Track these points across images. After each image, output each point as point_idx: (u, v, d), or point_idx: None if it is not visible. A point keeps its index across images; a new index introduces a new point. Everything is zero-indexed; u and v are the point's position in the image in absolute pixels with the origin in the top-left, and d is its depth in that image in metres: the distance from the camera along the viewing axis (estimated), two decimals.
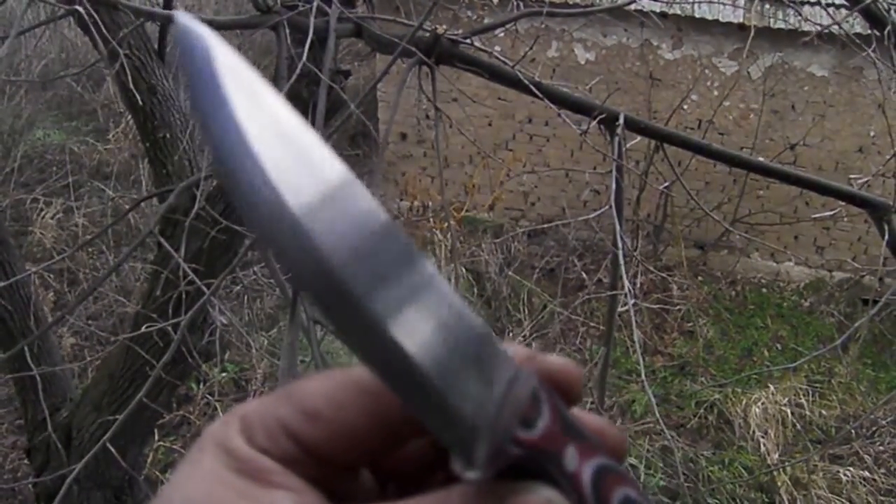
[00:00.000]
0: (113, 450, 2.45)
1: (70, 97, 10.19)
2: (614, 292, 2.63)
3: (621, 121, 2.48)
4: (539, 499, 0.35)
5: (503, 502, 0.35)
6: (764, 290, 8.29)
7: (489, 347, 0.38)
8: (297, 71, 2.21)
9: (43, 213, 8.00)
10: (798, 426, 6.39)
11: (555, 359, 0.41)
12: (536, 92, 2.55)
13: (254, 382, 6.41)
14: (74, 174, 8.60)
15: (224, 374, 6.42)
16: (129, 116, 6.64)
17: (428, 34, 2.58)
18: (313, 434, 0.37)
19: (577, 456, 0.37)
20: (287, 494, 0.36)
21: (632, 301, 2.39)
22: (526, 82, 2.55)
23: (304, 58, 2.20)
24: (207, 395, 6.27)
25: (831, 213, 2.87)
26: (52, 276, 7.28)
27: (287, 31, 2.60)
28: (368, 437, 0.38)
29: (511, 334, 7.33)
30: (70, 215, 8.08)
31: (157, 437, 5.81)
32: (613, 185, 2.44)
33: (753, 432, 6.25)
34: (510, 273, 7.85)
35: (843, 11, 4.69)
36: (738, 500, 5.78)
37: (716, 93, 7.98)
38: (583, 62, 8.16)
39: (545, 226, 7.55)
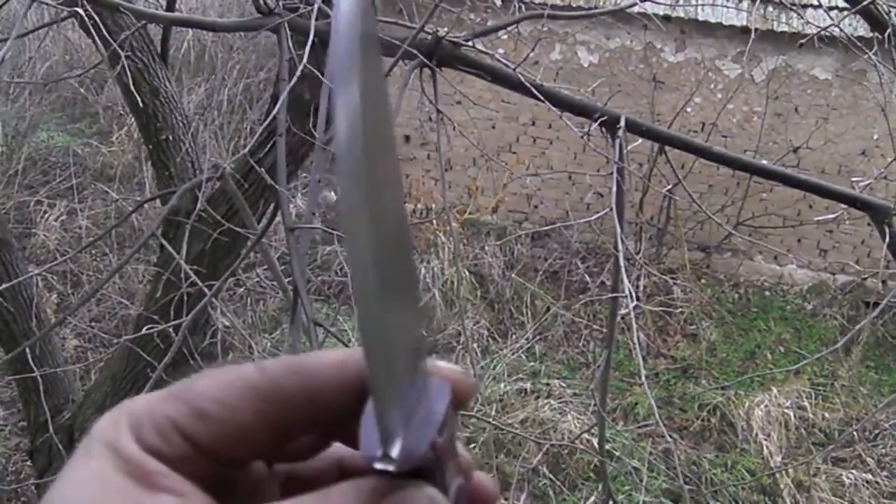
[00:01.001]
0: None
1: (74, 99, 10.21)
2: (615, 294, 2.63)
3: (622, 123, 2.48)
4: (424, 496, 0.36)
5: (390, 496, 0.35)
6: (767, 292, 8.28)
7: (422, 349, 0.39)
8: (298, 72, 2.22)
9: (46, 215, 8.01)
10: (801, 429, 6.39)
11: (450, 367, 0.41)
12: (538, 94, 2.55)
13: None
14: (78, 176, 8.61)
15: None
16: (133, 118, 6.66)
17: (429, 37, 2.58)
18: (204, 433, 0.37)
19: (452, 470, 0.38)
20: (172, 499, 0.35)
21: (633, 304, 2.39)
22: (527, 85, 2.55)
23: (305, 59, 2.20)
24: None
25: (834, 215, 2.87)
26: (55, 277, 7.29)
27: (288, 32, 2.61)
28: (260, 436, 0.38)
29: (514, 336, 7.34)
30: (73, 217, 8.09)
31: None
32: (614, 188, 2.44)
33: (756, 435, 6.25)
34: (513, 275, 7.85)
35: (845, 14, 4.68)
36: (740, 503, 5.78)
37: (719, 95, 7.98)
38: (586, 65, 8.16)
39: (548, 228, 7.55)
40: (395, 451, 0.34)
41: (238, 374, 0.38)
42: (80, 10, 2.21)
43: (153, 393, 0.39)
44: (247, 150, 2.67)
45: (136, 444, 0.36)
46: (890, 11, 2.56)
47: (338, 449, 0.43)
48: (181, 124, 4.14)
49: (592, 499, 5.63)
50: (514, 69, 2.60)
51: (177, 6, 4.24)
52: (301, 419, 0.39)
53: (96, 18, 2.38)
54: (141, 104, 3.87)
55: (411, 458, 0.35)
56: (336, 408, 0.39)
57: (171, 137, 4.08)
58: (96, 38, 2.60)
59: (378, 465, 0.34)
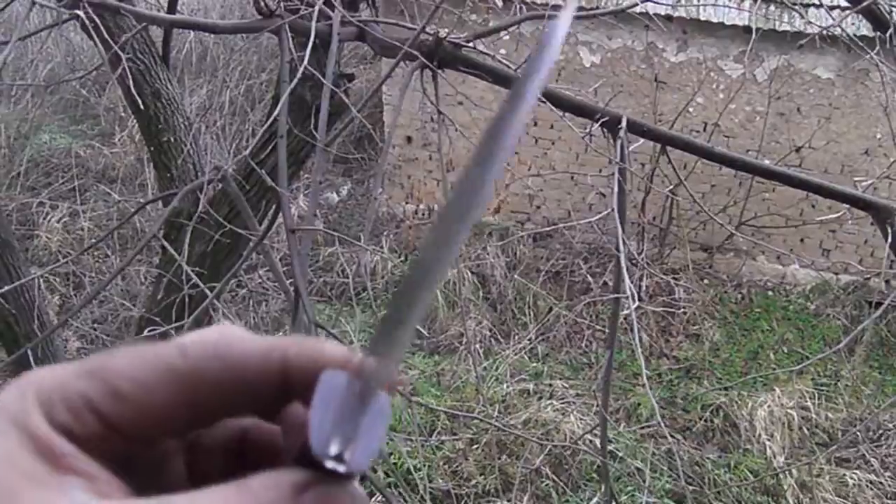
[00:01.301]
0: None
1: (76, 101, 10.21)
2: (617, 295, 2.63)
3: (623, 124, 2.48)
4: (347, 495, 0.35)
5: (313, 490, 0.35)
6: (770, 292, 8.27)
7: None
8: (299, 74, 2.22)
9: (49, 216, 8.02)
10: (804, 429, 6.38)
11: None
12: (539, 95, 2.54)
13: None
14: (80, 178, 8.61)
15: None
16: (135, 120, 6.66)
17: (430, 38, 2.58)
18: (119, 412, 0.36)
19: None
20: (80, 481, 0.34)
21: (634, 305, 2.38)
22: None
23: (306, 61, 2.20)
24: None
25: (837, 215, 2.86)
26: (57, 279, 7.29)
27: (289, 34, 2.60)
28: (176, 418, 0.37)
29: (517, 337, 7.33)
30: (76, 219, 8.10)
31: None
32: (616, 188, 2.44)
33: (759, 435, 6.24)
34: (516, 276, 7.84)
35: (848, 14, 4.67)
36: None
37: (721, 95, 7.96)
38: (588, 65, 8.15)
39: (550, 229, 7.54)
40: (348, 454, 0.34)
41: (158, 355, 0.37)
42: (81, 13, 2.21)
43: (63, 366, 0.37)
44: (247, 151, 2.67)
45: (46, 421, 0.34)
46: (892, 11, 2.55)
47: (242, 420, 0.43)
48: (183, 126, 4.14)
49: (595, 499, 5.62)
50: (515, 70, 2.60)
51: (178, 8, 4.24)
52: (220, 405, 0.38)
53: (97, 21, 2.38)
54: (142, 106, 3.87)
55: (363, 465, 0.35)
56: (257, 396, 0.38)
57: (172, 139, 4.08)
58: (97, 40, 2.60)
59: (329, 465, 0.34)
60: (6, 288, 3.53)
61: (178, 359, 0.37)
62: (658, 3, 4.60)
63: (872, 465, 6.09)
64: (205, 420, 0.39)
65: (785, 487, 5.79)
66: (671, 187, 6.82)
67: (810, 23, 4.46)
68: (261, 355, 0.38)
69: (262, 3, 2.62)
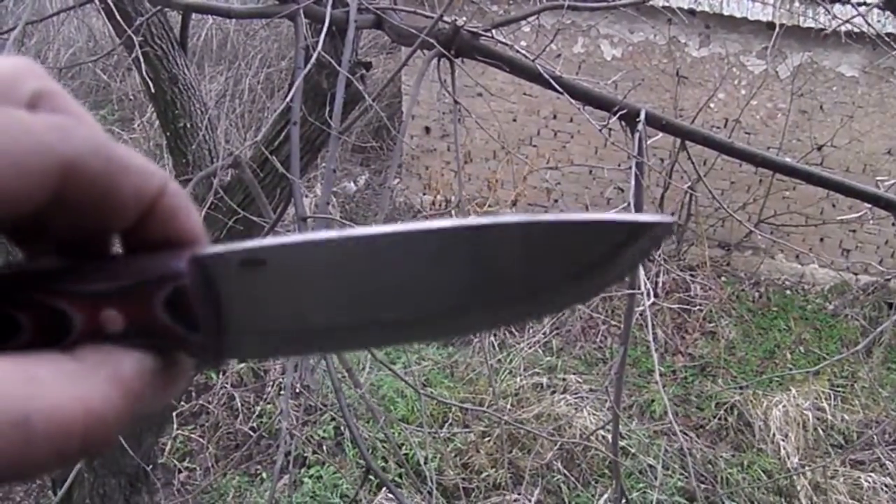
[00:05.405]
0: (121, 439, 2.44)
1: (97, 86, 10.25)
2: (632, 291, 2.60)
3: (642, 117, 2.44)
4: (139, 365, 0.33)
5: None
6: (788, 292, 8.20)
7: None
8: (312, 61, 2.19)
9: None
10: (819, 430, 6.32)
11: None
12: (556, 86, 2.51)
13: (272, 373, 6.43)
14: None
15: (243, 365, 6.43)
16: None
17: (448, 27, 2.55)
18: None
19: None
20: None
21: (649, 301, 2.36)
22: (546, 76, 2.52)
23: (320, 47, 2.17)
24: (226, 385, 6.29)
25: (857, 215, 2.82)
26: None
27: (306, 20, 2.58)
28: (38, 209, 0.31)
29: (531, 331, 7.30)
30: None
31: (175, 426, 5.83)
32: (633, 183, 2.41)
33: (774, 435, 6.19)
34: None
35: (875, 11, 4.61)
36: None
37: (743, 92, 7.89)
38: (609, 58, 8.10)
39: None
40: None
41: (31, 132, 0.30)
42: None
43: None
44: (259, 138, 2.65)
45: None
46: None
47: None
48: (199, 112, 4.12)
49: (606, 496, 5.60)
50: (534, 60, 2.57)
51: None
52: (82, 208, 0.32)
53: (110, 4, 2.36)
54: (160, 91, 3.85)
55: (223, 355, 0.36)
56: (115, 211, 0.34)
57: (188, 125, 4.07)
58: (110, 25, 2.59)
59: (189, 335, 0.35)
60: None
61: (61, 143, 0.30)
62: None
63: (888, 469, 6.03)
64: (56, 218, 0.33)
65: (798, 488, 5.75)
66: (690, 183, 6.78)
67: (836, 18, 4.40)
68: (143, 174, 0.34)
69: None
